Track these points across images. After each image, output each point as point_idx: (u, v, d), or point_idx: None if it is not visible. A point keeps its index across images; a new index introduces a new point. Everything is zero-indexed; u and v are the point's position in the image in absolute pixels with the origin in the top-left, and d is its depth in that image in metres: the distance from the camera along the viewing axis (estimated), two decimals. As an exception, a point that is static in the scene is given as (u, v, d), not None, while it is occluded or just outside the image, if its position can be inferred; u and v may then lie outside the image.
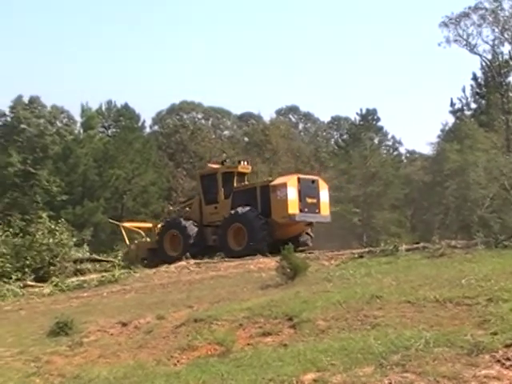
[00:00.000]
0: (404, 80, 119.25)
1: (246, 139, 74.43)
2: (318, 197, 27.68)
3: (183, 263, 25.48)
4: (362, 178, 61.10)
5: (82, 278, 25.53)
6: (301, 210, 26.83)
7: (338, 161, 65.89)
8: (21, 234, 28.51)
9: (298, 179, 27.54)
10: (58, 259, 27.45)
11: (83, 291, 23.24)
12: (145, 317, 15.81)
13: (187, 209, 30.28)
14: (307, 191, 27.27)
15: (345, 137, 73.97)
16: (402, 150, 75.11)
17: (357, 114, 68.70)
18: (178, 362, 12.16)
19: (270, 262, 21.60)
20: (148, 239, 30.63)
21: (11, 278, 25.50)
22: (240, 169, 29.40)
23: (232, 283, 19.37)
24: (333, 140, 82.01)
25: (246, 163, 30.16)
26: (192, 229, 28.23)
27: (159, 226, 30.27)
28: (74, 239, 29.55)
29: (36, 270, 26.97)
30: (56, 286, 24.72)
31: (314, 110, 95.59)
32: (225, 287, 18.69)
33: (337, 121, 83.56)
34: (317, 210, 27.58)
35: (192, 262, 25.57)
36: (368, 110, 68.04)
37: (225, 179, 28.81)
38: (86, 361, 13.45)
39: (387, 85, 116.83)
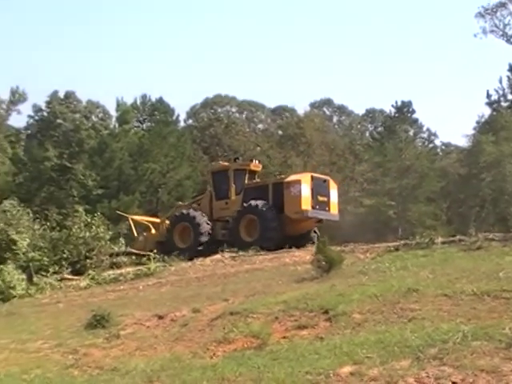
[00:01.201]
0: (439, 71, 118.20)
1: (280, 132, 74.29)
2: (328, 196, 28.69)
3: (218, 256, 25.58)
4: (397, 171, 60.69)
5: (118, 271, 25.69)
6: (313, 207, 27.77)
7: (372, 153, 65.46)
8: (58, 228, 28.77)
9: (312, 177, 28.68)
10: (94, 252, 27.68)
11: (119, 284, 23.41)
12: (181, 310, 15.89)
13: (195, 204, 30.86)
14: (319, 189, 28.27)
15: (380, 129, 73.34)
16: (438, 142, 74.39)
17: (392, 106, 68.06)
18: (214, 354, 12.20)
19: (305, 256, 21.56)
20: (155, 232, 31.07)
21: (49, 272, 25.74)
22: (252, 167, 30.30)
23: (267, 276, 19.38)
24: (367, 133, 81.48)
25: (257, 162, 31.22)
26: (203, 222, 28.87)
27: (167, 221, 30.76)
28: (110, 233, 29.73)
29: (73, 264, 27.22)
30: (92, 279, 24.93)
31: (348, 103, 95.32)
32: (260, 280, 18.71)
33: (371, 113, 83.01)
34: (327, 208, 28.58)
35: (227, 255, 25.65)
36: (403, 102, 67.33)
37: (236, 176, 29.63)
38: (123, 353, 13.56)
39: (422, 77, 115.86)
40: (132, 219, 32.49)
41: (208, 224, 28.83)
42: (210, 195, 30.25)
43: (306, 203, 27.46)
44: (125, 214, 33.63)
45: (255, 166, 30.59)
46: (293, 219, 27.59)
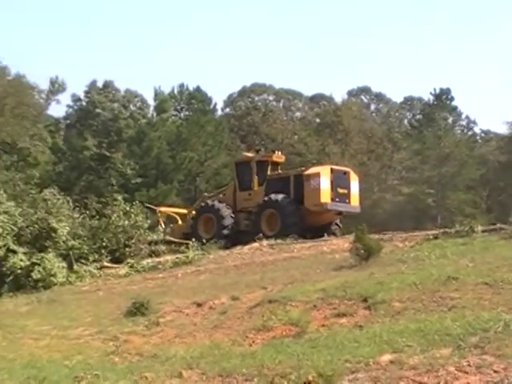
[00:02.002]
0: (479, 58, 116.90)
1: (318, 120, 74.05)
2: (348, 188, 28.60)
3: (256, 244, 25.63)
4: (436, 159, 60.28)
5: (156, 260, 25.85)
6: (332, 200, 27.75)
7: (411, 141, 65.08)
8: (97, 217, 28.97)
9: (331, 170, 28.69)
10: (133, 241, 27.87)
11: (158, 272, 23.56)
12: (219, 297, 15.96)
13: (221, 195, 31.04)
14: (339, 182, 28.23)
15: (418, 117, 72.84)
16: (477, 129, 73.67)
17: (430, 93, 67.58)
18: (253, 342, 12.23)
19: (343, 244, 21.51)
20: (181, 223, 31.25)
21: (88, 260, 26.00)
22: (274, 158, 30.41)
23: (305, 264, 19.38)
24: (406, 120, 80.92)
25: (279, 153, 31.21)
26: (226, 213, 29.04)
27: (193, 212, 30.96)
28: (149, 221, 29.90)
29: (112, 252, 27.43)
30: (132, 267, 25.13)
31: (385, 91, 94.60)
32: (298, 268, 18.71)
33: (409, 101, 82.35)
34: (347, 201, 28.52)
35: (265, 243, 25.69)
36: (442, 90, 66.78)
37: (259, 167, 29.72)
38: (163, 340, 13.67)
39: (461, 63, 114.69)
40: (160, 211, 32.69)
41: (232, 217, 29.03)
42: (234, 186, 30.46)
43: (326, 196, 27.50)
44: (152, 207, 33.82)
45: (278, 157, 30.69)
46: (312, 211, 27.69)
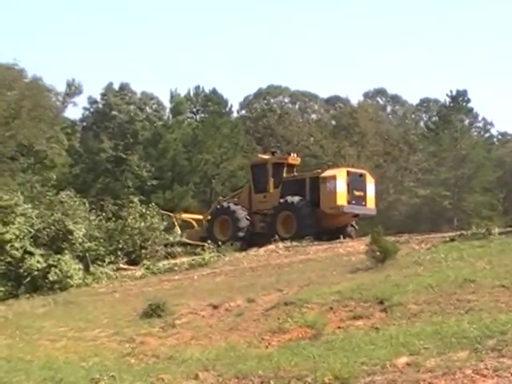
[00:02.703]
0: (495, 59, 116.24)
1: (334, 122, 73.95)
2: (364, 190, 28.59)
3: (272, 247, 25.63)
4: (453, 161, 60.04)
5: (172, 261, 25.90)
6: (348, 202, 27.77)
7: (427, 143, 64.86)
8: (113, 219, 29.06)
9: (347, 172, 28.66)
10: (149, 243, 27.93)
11: (174, 274, 23.59)
12: (235, 300, 15.96)
13: (236, 198, 31.02)
14: (355, 184, 28.23)
15: (434, 119, 72.61)
16: (494, 131, 73.35)
17: (447, 95, 67.32)
18: (269, 344, 12.24)
19: (359, 246, 21.46)
20: (198, 228, 31.29)
21: (105, 261, 26.08)
22: (290, 160, 30.36)
23: (321, 267, 19.35)
24: (422, 122, 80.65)
25: (295, 155, 31.18)
26: (242, 215, 29.05)
27: (209, 217, 30.92)
28: (165, 223, 29.94)
29: (128, 254, 27.51)
30: (148, 269, 25.18)
31: (401, 93, 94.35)
32: (314, 271, 18.68)
33: (426, 103, 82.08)
34: (363, 203, 28.52)
35: (281, 245, 25.68)
36: (458, 92, 66.53)
37: (275, 169, 29.70)
38: (179, 342, 13.69)
39: (477, 65, 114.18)
40: (175, 217, 32.75)
41: (247, 219, 29.02)
42: (250, 188, 30.47)
43: (342, 198, 27.49)
44: (168, 213, 33.90)
45: (293, 159, 30.66)
46: (328, 214, 27.66)
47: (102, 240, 27.40)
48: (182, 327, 14.74)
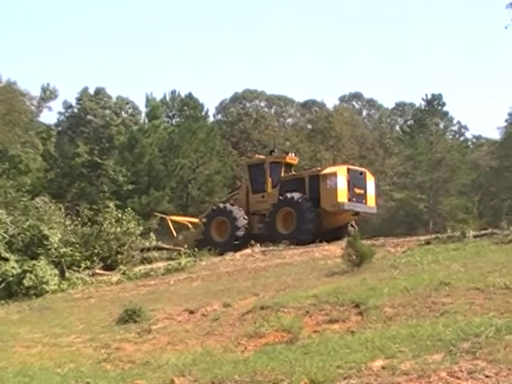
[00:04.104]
0: (469, 63, 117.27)
1: (310, 126, 74.22)
2: (365, 188, 28.37)
3: (248, 251, 25.58)
4: (428, 164, 60.43)
5: (149, 266, 25.78)
6: (349, 200, 27.47)
7: (403, 147, 65.28)
8: (89, 224, 28.87)
9: (348, 169, 28.39)
10: (125, 248, 27.78)
11: (150, 279, 23.49)
12: (211, 304, 15.94)
13: (232, 200, 30.65)
14: (355, 182, 27.96)
15: (410, 122, 73.10)
16: (468, 135, 73.98)
17: (422, 99, 67.87)
18: (245, 348, 12.21)
19: (336, 249, 21.52)
20: (193, 230, 31.13)
21: (80, 267, 25.89)
22: (288, 159, 30.10)
23: (297, 271, 19.36)
24: (397, 126, 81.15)
25: (293, 155, 31.03)
26: (240, 216, 28.76)
27: (204, 220, 30.71)
28: (141, 228, 29.81)
29: (104, 259, 27.33)
30: (124, 274, 25.05)
31: (377, 97, 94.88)
32: (290, 275, 18.70)
33: (401, 106, 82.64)
34: (364, 201, 28.27)
35: (257, 249, 25.66)
36: (433, 95, 67.06)
37: (272, 169, 29.43)
38: (155, 347, 13.63)
39: (452, 69, 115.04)
40: (170, 220, 32.54)
41: (245, 219, 28.72)
42: (247, 189, 30.08)
43: (343, 196, 27.19)
44: (162, 215, 33.71)
45: (291, 158, 30.41)
46: (329, 212, 27.33)
47: (77, 245, 27.19)
48: (158, 332, 14.67)
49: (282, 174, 29.41)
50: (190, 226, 31.77)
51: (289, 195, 27.66)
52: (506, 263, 14.36)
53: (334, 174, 27.50)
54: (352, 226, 28.53)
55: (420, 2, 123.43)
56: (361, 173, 28.93)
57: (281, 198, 27.95)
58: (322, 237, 25.63)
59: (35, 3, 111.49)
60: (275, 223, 27.71)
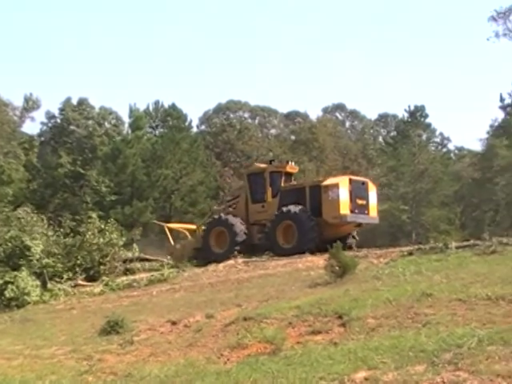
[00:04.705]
0: (452, 76, 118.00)
1: (293, 137, 74.38)
2: (367, 198, 27.78)
3: (231, 262, 25.52)
4: (411, 175, 60.63)
5: (131, 277, 25.72)
6: (351, 211, 26.85)
7: (386, 158, 65.47)
8: (71, 234, 28.79)
9: (350, 180, 27.67)
10: (107, 259, 27.69)
11: (133, 290, 23.43)
12: (194, 315, 15.89)
13: (230, 208, 30.17)
14: (357, 192, 27.35)
15: (393, 134, 73.38)
16: (451, 146, 74.37)
17: (405, 110, 68.16)
18: (228, 360, 12.18)
19: (319, 261, 21.51)
20: (191, 238, 30.87)
21: (63, 278, 25.81)
22: (288, 169, 29.52)
23: (280, 282, 19.35)
24: (380, 137, 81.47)
25: (293, 163, 30.36)
26: (239, 226, 28.26)
27: (203, 227, 30.44)
28: (124, 239, 29.71)
29: (87, 270, 27.24)
30: (106, 285, 24.97)
31: (360, 108, 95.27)
32: (273, 286, 18.68)
33: (384, 118, 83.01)
34: (366, 212, 27.68)
35: (240, 260, 25.61)
36: (416, 107, 67.35)
37: (272, 178, 28.91)
38: (137, 359, 13.57)
39: (435, 81, 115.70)
40: (168, 227, 32.32)
41: (245, 233, 28.18)
42: (246, 198, 29.44)
43: (345, 207, 26.56)
44: (161, 223, 33.49)
45: (291, 167, 29.78)
46: (331, 224, 26.75)
47: (59, 256, 27.10)
48: (140, 344, 14.61)
49: (282, 184, 28.86)
50: (188, 233, 31.52)
51: (290, 208, 27.03)
52: (488, 274, 14.42)
53: (336, 186, 26.82)
54: (353, 237, 28.10)
55: (402, 15, 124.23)
56: (363, 183, 28.32)
57: (283, 210, 27.26)
58: (322, 247, 25.12)
59: (17, 13, 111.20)
60: (276, 236, 27.15)
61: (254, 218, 28.98)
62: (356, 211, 27.06)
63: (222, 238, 28.59)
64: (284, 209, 27.31)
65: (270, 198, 28.66)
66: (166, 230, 31.78)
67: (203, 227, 30.29)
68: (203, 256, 27.79)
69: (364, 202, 27.57)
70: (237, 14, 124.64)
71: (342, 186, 26.89)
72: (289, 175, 29.62)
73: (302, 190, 27.93)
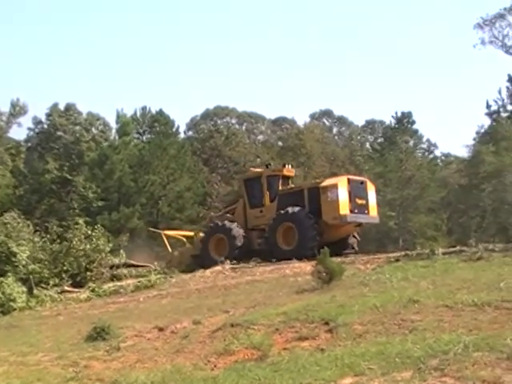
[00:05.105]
0: (439, 82, 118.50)
1: (281, 144, 74.40)
2: (366, 198, 27.64)
3: (219, 268, 25.51)
4: (398, 182, 60.71)
5: (118, 284, 25.67)
6: (351, 211, 26.69)
7: (373, 164, 65.54)
8: (58, 240, 28.69)
9: (348, 180, 27.53)
10: (94, 265, 27.62)
11: (120, 296, 23.37)
12: (181, 322, 15.86)
13: (228, 215, 30.00)
14: (357, 192, 27.21)
15: (380, 140, 73.54)
16: (438, 152, 74.60)
17: (392, 116, 68.29)
18: (215, 366, 12.17)
19: (306, 267, 21.54)
20: (189, 245, 30.78)
21: (49, 284, 25.72)
22: (285, 172, 29.37)
23: (268, 288, 19.35)
24: (368, 143, 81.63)
25: (290, 166, 30.18)
26: (238, 232, 28.15)
27: (201, 234, 30.32)
28: (111, 245, 29.63)
29: (73, 276, 27.16)
30: (93, 291, 24.90)
31: (347, 114, 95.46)
32: (261, 292, 18.69)
33: (371, 124, 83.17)
34: (366, 211, 27.53)
35: (227, 266, 25.60)
36: (403, 113, 67.51)
37: (270, 183, 28.82)
38: (124, 365, 13.52)
39: (422, 88, 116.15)
40: (165, 234, 32.18)
41: (244, 236, 28.06)
42: (244, 204, 29.34)
43: (345, 208, 26.42)
44: (157, 231, 33.35)
45: (288, 171, 29.62)
46: (331, 225, 26.63)
47: (46, 262, 27.02)
48: (127, 350, 14.57)
49: (280, 188, 28.73)
50: (186, 240, 31.39)
51: (289, 210, 26.90)
52: (475, 280, 14.48)
53: (335, 186, 26.70)
54: (354, 236, 28.01)
55: (388, 21, 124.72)
56: (361, 182, 28.18)
57: (282, 212, 27.14)
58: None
59: (2, 17, 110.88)
60: (276, 239, 27.01)
61: (252, 224, 28.87)
62: (356, 211, 26.91)
63: (221, 245, 28.46)
64: (282, 211, 27.18)
65: (268, 202, 28.60)
66: (164, 237, 31.71)
67: (201, 234, 30.19)
68: (203, 263, 27.62)
69: (364, 202, 27.45)
70: (224, 19, 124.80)
71: (341, 186, 26.78)
72: (286, 178, 29.48)
73: (300, 192, 27.80)
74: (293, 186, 29.44)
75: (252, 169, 32.69)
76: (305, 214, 26.79)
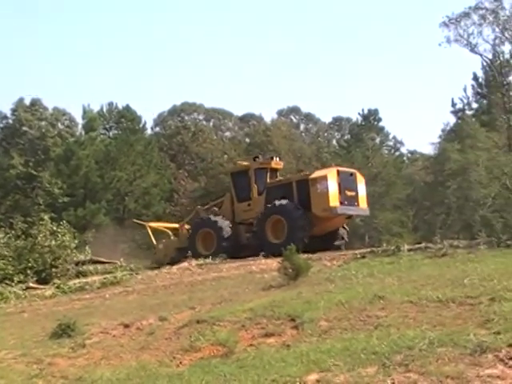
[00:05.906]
0: (405, 80, 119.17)
1: (248, 140, 74.35)
2: (356, 190, 27.52)
3: (185, 264, 25.46)
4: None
5: (84, 280, 25.49)
6: (341, 203, 26.52)
7: (340, 161, 65.74)
8: (23, 237, 28.47)
9: (338, 172, 27.34)
10: (59, 261, 27.41)
11: (85, 293, 23.21)
12: (147, 318, 15.80)
13: (215, 208, 29.68)
14: (346, 184, 27.04)
15: (346, 137, 73.92)
16: (404, 150, 75.13)
17: (358, 114, 68.73)
18: (180, 363, 12.15)
19: (272, 263, 21.56)
20: (174, 238, 30.58)
21: (13, 281, 25.49)
22: (273, 164, 29.11)
23: (234, 284, 19.36)
24: (334, 140, 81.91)
25: (277, 159, 29.93)
26: (226, 227, 27.88)
27: (187, 226, 30.06)
28: (76, 241, 29.43)
29: (38, 272, 26.93)
30: (58, 288, 24.70)
31: (315, 111, 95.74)
32: (227, 288, 18.68)
33: (338, 121, 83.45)
34: (356, 203, 27.41)
35: (194, 263, 25.55)
36: (370, 111, 67.98)
37: (257, 176, 28.52)
38: (89, 362, 13.44)
39: (388, 85, 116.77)
40: (150, 226, 31.86)
41: (231, 228, 27.75)
42: (231, 197, 29.00)
43: (334, 200, 26.20)
44: (142, 223, 33.04)
45: (276, 163, 29.30)
46: (321, 217, 26.36)
47: (10, 258, 26.79)
48: (92, 347, 14.47)
49: (268, 180, 28.46)
50: (171, 233, 31.14)
51: (277, 202, 26.60)
52: (439, 277, 14.60)
53: (325, 178, 26.47)
54: (344, 227, 27.88)
55: (357, 17, 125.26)
56: (351, 174, 27.95)
57: (269, 205, 26.88)
58: (314, 242, 24.96)
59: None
60: (265, 232, 26.66)
61: (240, 217, 28.58)
62: (346, 203, 26.75)
63: (208, 239, 28.16)
64: (270, 204, 26.90)
65: (256, 195, 28.30)
66: (148, 229, 31.47)
67: (187, 227, 29.90)
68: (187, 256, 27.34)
69: (353, 194, 27.27)
70: (192, 16, 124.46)
71: (331, 177, 26.57)
72: (274, 171, 29.23)
73: (288, 185, 27.53)
74: (281, 178, 29.16)
75: (239, 162, 32.26)
76: (293, 205, 26.52)
